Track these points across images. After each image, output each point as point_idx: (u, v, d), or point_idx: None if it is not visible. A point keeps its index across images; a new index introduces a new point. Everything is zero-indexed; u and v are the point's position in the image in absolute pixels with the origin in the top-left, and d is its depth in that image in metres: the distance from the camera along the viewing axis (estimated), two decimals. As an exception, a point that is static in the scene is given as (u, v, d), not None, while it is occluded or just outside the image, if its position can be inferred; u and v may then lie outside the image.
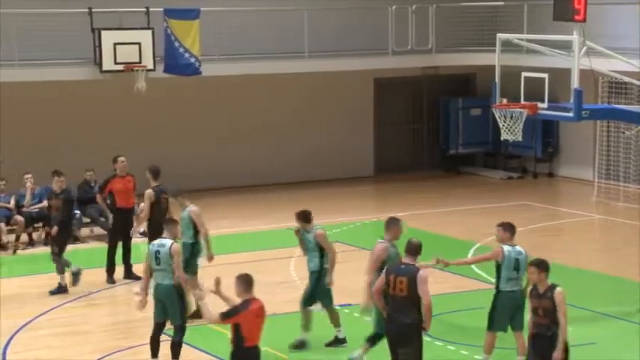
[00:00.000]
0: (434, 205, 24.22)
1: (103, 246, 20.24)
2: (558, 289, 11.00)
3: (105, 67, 22.77)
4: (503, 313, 12.67)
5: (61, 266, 16.93)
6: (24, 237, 20.68)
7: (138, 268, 18.17)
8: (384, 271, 11.89)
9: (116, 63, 22.76)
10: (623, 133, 23.66)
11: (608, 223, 22.55)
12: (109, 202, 18.42)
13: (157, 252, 13.19)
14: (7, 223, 20.54)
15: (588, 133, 25.92)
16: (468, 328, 14.84)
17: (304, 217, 14.36)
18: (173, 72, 23.63)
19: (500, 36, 18.52)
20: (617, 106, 20.48)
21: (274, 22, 25.72)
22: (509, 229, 12.84)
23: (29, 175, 20.34)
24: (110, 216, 18.27)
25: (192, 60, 23.61)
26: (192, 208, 15.36)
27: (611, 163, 24.93)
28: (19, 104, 23.84)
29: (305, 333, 14.24)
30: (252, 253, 19.34)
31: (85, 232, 20.95)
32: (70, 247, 20.21)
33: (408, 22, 25.99)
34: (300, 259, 19.11)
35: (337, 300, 16.24)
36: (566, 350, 10.93)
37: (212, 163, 26.15)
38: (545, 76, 17.51)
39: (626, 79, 19.29)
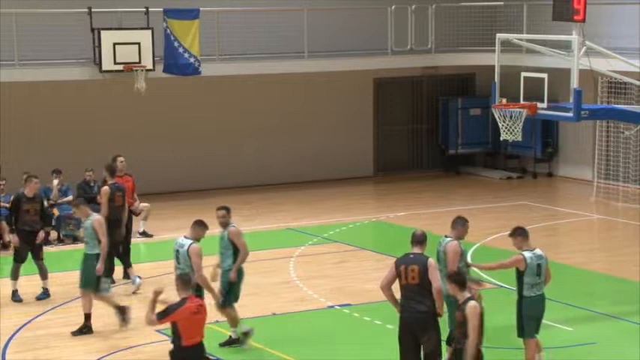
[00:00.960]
0: (433, 205, 24.22)
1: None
2: (471, 304, 10.66)
3: (104, 67, 22.76)
4: (531, 318, 12.43)
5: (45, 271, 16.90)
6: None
7: (137, 268, 18.20)
8: (393, 264, 11.93)
9: (116, 63, 22.76)
10: (623, 133, 23.67)
11: (607, 223, 22.56)
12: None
13: (177, 252, 13.35)
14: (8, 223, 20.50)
15: (588, 133, 25.93)
16: (468, 328, 14.81)
17: (229, 212, 14.13)
18: (173, 72, 23.63)
19: (500, 36, 18.53)
20: (616, 106, 20.48)
21: (274, 22, 25.71)
22: (520, 233, 12.65)
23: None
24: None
25: (192, 60, 23.61)
26: (95, 217, 15.18)
27: (610, 163, 24.93)
28: (18, 104, 23.84)
29: (233, 329, 14.06)
30: (251, 253, 19.32)
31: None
32: (69, 247, 20.28)
33: (407, 22, 25.98)
34: (299, 259, 19.16)
35: (337, 300, 16.27)
36: None
37: (211, 163, 26.15)
38: (545, 76, 17.51)
39: (626, 79, 19.31)
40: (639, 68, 19.09)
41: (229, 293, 13.87)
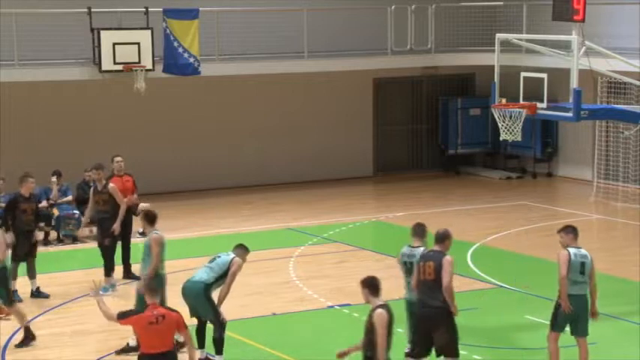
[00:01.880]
0: (433, 205, 24.22)
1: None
2: (377, 312, 10.56)
3: (104, 67, 22.76)
4: (566, 316, 12.34)
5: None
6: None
7: (136, 268, 18.21)
8: (416, 262, 12.31)
9: (115, 63, 22.75)
10: (622, 133, 23.66)
11: (607, 223, 22.55)
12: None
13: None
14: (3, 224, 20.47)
15: (587, 133, 25.94)
16: (467, 328, 14.80)
17: (148, 218, 14.14)
18: (172, 72, 23.63)
19: (500, 36, 18.52)
20: (616, 106, 20.49)
21: (273, 22, 25.70)
22: (571, 231, 12.58)
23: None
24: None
25: (192, 60, 23.61)
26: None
27: (610, 163, 24.93)
28: (18, 104, 23.83)
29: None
30: (251, 253, 19.31)
31: (84, 232, 20.92)
32: (69, 247, 20.27)
33: (407, 22, 25.98)
34: (299, 259, 19.16)
35: (337, 300, 16.27)
36: None
37: (211, 163, 26.14)
38: (545, 76, 17.51)
39: (625, 79, 19.31)
40: (639, 68, 19.09)
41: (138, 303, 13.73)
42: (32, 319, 15.55)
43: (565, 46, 17.96)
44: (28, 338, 14.28)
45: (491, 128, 27.06)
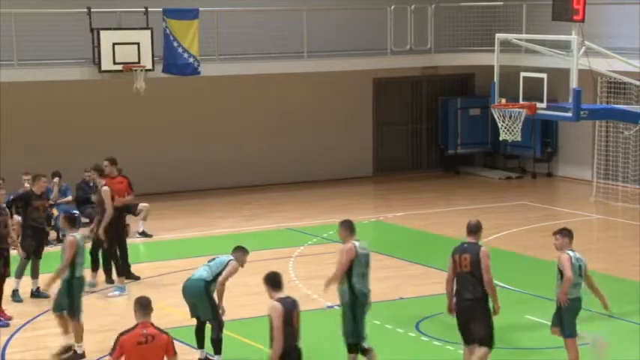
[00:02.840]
0: (433, 205, 24.23)
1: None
2: (271, 304, 10.74)
3: (104, 67, 22.76)
4: (572, 317, 12.40)
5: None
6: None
7: (136, 268, 18.20)
8: (450, 255, 12.47)
9: (115, 63, 22.76)
10: (622, 133, 23.66)
11: (606, 223, 22.56)
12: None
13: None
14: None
15: (587, 133, 25.94)
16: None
17: (68, 220, 14.13)
18: (172, 72, 23.63)
19: (499, 36, 18.53)
20: (615, 106, 20.49)
21: (273, 22, 25.71)
22: (567, 234, 12.59)
23: (28, 177, 20.28)
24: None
25: (191, 60, 23.61)
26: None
27: (609, 163, 24.94)
28: (18, 104, 23.84)
29: (65, 336, 13.94)
30: (251, 253, 19.32)
31: (83, 232, 20.88)
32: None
33: (407, 22, 25.99)
34: (299, 259, 19.15)
35: (336, 300, 16.25)
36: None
37: (211, 163, 26.15)
38: (544, 76, 17.52)
39: (625, 79, 19.31)
40: (639, 68, 19.09)
41: (71, 304, 13.70)
42: (32, 319, 15.58)
43: (565, 46, 17.96)
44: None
45: (491, 128, 27.07)
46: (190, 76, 23.80)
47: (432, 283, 17.29)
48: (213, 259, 13.57)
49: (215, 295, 13.32)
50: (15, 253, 16.47)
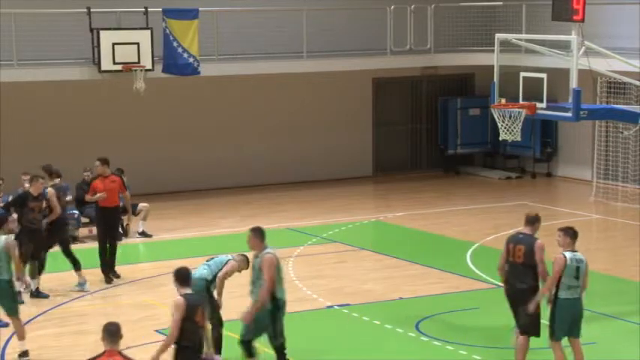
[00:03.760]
0: (432, 205, 24.23)
1: (97, 246, 20.28)
2: (175, 298, 10.87)
3: (103, 67, 22.76)
4: (563, 321, 12.39)
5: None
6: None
7: (136, 268, 18.20)
8: (505, 243, 12.73)
9: (115, 63, 22.75)
10: (622, 133, 23.66)
11: (606, 223, 22.56)
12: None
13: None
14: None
15: (587, 133, 25.94)
16: (467, 328, 14.85)
17: None
18: (172, 72, 23.63)
19: (499, 36, 18.52)
20: (615, 106, 20.47)
21: (273, 22, 25.71)
22: (571, 234, 12.55)
23: (27, 177, 20.27)
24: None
25: (191, 60, 23.60)
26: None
27: (609, 163, 24.94)
28: (17, 104, 23.84)
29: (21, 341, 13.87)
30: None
31: (83, 232, 20.92)
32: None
33: (406, 22, 25.98)
34: (299, 259, 19.15)
35: (336, 300, 16.27)
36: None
37: (211, 163, 26.15)
38: (544, 76, 17.50)
39: (625, 79, 19.30)
40: (638, 68, 19.09)
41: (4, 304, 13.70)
42: (32, 319, 15.57)
43: (564, 46, 17.95)
44: None
45: (490, 128, 27.07)
46: (190, 76, 23.79)
47: (432, 283, 17.31)
48: (212, 258, 13.57)
49: (215, 293, 13.32)
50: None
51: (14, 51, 22.38)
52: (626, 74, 19.20)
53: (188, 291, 10.87)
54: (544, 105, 17.46)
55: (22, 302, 16.41)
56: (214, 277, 13.28)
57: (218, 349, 13.29)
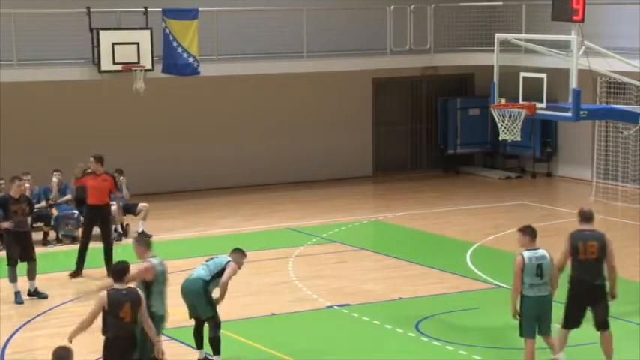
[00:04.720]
0: (432, 205, 24.23)
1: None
2: (140, 293, 11.07)
3: (103, 67, 22.75)
4: (529, 318, 12.46)
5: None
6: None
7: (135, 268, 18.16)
8: (569, 242, 12.74)
9: (114, 63, 22.74)
10: (622, 133, 23.66)
11: (606, 223, 22.48)
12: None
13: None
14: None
15: (587, 133, 25.93)
16: (467, 328, 14.85)
17: None
18: (171, 72, 23.63)
19: (499, 36, 18.52)
20: (615, 106, 20.47)
21: (273, 22, 25.71)
22: (528, 232, 12.64)
23: (28, 177, 20.26)
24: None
25: (191, 60, 23.61)
26: None
27: (609, 163, 24.93)
28: (17, 104, 23.84)
29: None
30: (251, 253, 19.35)
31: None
32: (68, 247, 20.24)
33: (406, 21, 25.98)
34: (298, 259, 19.16)
35: (336, 300, 16.28)
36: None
37: (211, 163, 26.15)
38: (544, 76, 17.50)
39: (625, 79, 19.31)
40: (638, 68, 19.09)
41: None
42: (31, 320, 15.57)
43: (564, 46, 17.95)
44: None
45: (490, 128, 27.06)
46: (190, 76, 23.79)
47: (432, 283, 17.31)
48: (211, 258, 13.57)
49: (213, 294, 13.31)
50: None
51: (14, 51, 22.38)
52: (625, 74, 19.21)
53: (118, 286, 10.95)
54: (544, 105, 17.46)
55: (22, 302, 16.44)
56: (212, 277, 13.27)
57: (217, 349, 13.30)
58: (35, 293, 16.71)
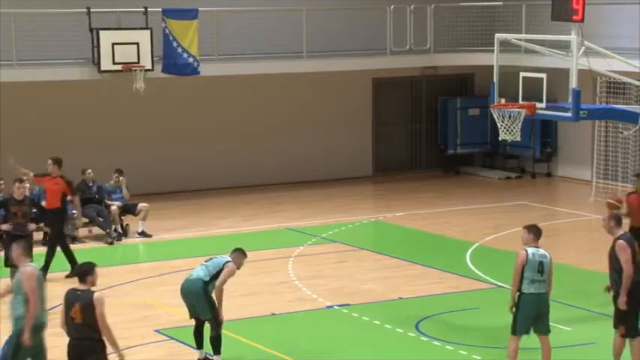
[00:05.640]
0: (432, 205, 24.23)
1: (101, 246, 20.29)
2: (96, 295, 10.83)
3: (103, 67, 22.75)
4: (526, 316, 12.46)
5: None
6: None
7: (135, 268, 18.18)
8: (629, 245, 12.81)
9: (114, 63, 22.73)
10: (621, 133, 23.65)
11: (606, 223, 22.51)
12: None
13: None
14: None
15: (586, 133, 25.93)
16: (467, 328, 14.86)
17: None
18: (171, 72, 23.63)
19: (499, 36, 18.50)
20: (615, 106, 20.46)
21: (272, 22, 25.71)
22: (533, 230, 12.64)
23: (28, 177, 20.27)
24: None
25: (191, 60, 23.61)
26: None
27: (609, 163, 24.93)
28: (17, 104, 23.83)
29: None
30: (251, 253, 19.35)
31: (82, 232, 20.92)
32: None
33: (406, 21, 25.98)
34: (298, 259, 19.16)
35: (336, 300, 16.28)
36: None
37: (210, 162, 26.15)
38: (544, 76, 17.49)
39: (625, 79, 19.29)
40: (638, 68, 19.09)
41: None
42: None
43: (564, 46, 17.94)
44: None
45: (490, 128, 27.05)
46: (190, 76, 23.79)
47: (432, 283, 17.31)
48: (211, 258, 13.57)
49: (213, 295, 13.32)
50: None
51: (14, 51, 22.38)
52: (625, 74, 19.19)
53: (80, 287, 10.92)
54: (544, 105, 17.44)
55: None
56: (212, 277, 13.27)
57: (217, 349, 13.30)
58: None
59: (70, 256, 17.76)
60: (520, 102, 17.62)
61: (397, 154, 28.67)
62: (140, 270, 18.42)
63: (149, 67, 22.99)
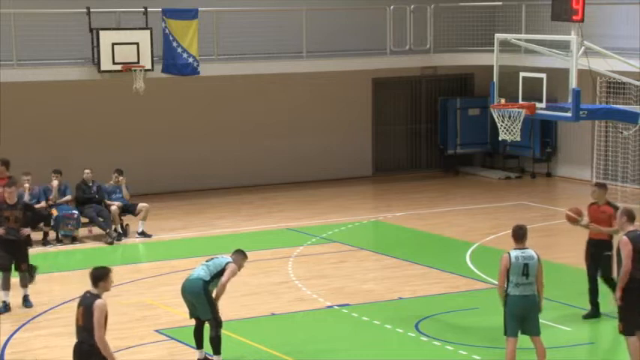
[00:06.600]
0: (432, 205, 24.23)
1: (101, 246, 20.29)
2: (97, 301, 10.76)
3: (103, 67, 22.74)
4: (512, 317, 12.50)
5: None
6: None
7: (135, 268, 18.17)
8: (632, 244, 12.48)
9: (114, 63, 22.73)
10: (621, 133, 23.64)
11: (606, 223, 22.52)
12: None
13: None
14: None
15: (586, 133, 25.94)
16: (467, 328, 14.86)
17: None
18: (171, 72, 23.63)
19: (499, 36, 18.52)
20: (615, 106, 20.46)
21: (272, 22, 25.70)
22: (516, 233, 12.63)
23: (28, 177, 20.29)
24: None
25: (191, 60, 23.61)
26: None
27: (609, 163, 24.93)
28: (17, 104, 23.84)
29: None
30: (251, 253, 19.36)
31: (82, 232, 20.92)
32: (68, 248, 20.26)
33: (406, 22, 25.98)
34: (298, 259, 19.16)
35: (336, 300, 16.28)
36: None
37: (210, 163, 26.15)
38: (544, 76, 17.51)
39: (625, 79, 19.31)
40: (638, 68, 19.10)
41: None
42: (31, 320, 15.57)
43: (564, 46, 17.96)
44: None
45: (490, 128, 27.06)
46: (189, 76, 23.79)
47: (432, 283, 17.31)
48: (211, 259, 13.57)
49: (214, 295, 13.32)
50: None
51: (14, 51, 22.38)
52: (625, 74, 19.21)
53: (94, 291, 10.82)
54: (543, 105, 17.46)
55: (32, 306, 16.28)
56: (212, 277, 13.27)
57: (217, 349, 13.30)
58: (23, 300, 16.22)
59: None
60: (520, 102, 17.64)
61: (397, 154, 28.67)
62: (140, 270, 18.42)
63: (149, 67, 22.99)
